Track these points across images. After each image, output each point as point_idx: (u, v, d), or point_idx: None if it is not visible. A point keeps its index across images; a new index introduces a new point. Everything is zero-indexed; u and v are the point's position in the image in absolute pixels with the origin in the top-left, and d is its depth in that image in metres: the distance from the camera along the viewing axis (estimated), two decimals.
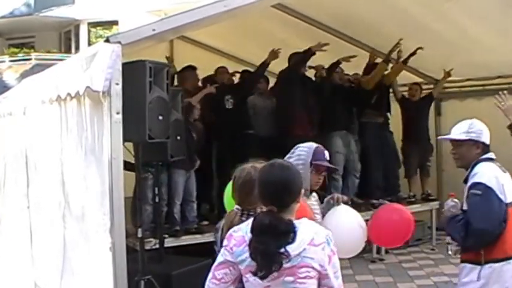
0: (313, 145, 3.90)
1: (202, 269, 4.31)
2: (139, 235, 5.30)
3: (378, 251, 8.02)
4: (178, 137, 6.06)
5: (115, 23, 22.34)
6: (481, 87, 8.65)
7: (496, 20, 6.77)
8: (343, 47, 8.49)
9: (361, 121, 8.58)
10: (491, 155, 3.79)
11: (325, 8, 7.57)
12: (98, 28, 24.09)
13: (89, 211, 4.50)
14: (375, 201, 8.28)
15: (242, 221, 2.93)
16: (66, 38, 24.93)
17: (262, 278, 2.60)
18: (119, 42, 4.06)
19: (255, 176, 2.94)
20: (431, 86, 9.45)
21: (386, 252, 8.16)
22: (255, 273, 2.61)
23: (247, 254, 2.64)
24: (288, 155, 3.81)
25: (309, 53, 7.62)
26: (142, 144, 5.21)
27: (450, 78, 9.24)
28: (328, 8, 7.54)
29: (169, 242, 6.47)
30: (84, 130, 4.53)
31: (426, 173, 8.93)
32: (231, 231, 2.75)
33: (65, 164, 5.11)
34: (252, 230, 2.64)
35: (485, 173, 3.68)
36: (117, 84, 4.03)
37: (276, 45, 7.69)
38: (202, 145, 7.30)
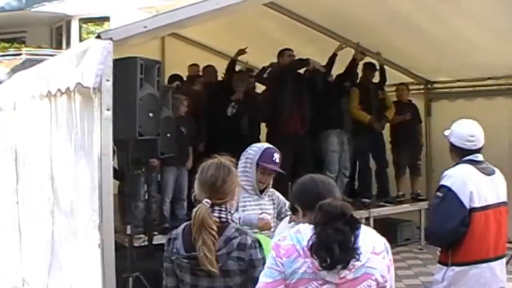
0: (264, 146, 4.08)
1: None
2: (128, 232, 5.29)
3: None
4: (169, 134, 6.05)
5: (106, 19, 22.25)
6: (472, 88, 8.66)
7: (488, 21, 6.78)
8: (335, 46, 8.49)
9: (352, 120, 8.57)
10: (475, 156, 3.72)
11: (318, 7, 7.58)
12: (90, 24, 23.96)
13: (78, 207, 4.49)
14: (365, 200, 8.31)
15: (213, 215, 2.73)
16: (58, 34, 24.78)
17: (326, 268, 2.31)
18: (110, 39, 4.06)
19: (226, 169, 2.82)
20: (422, 87, 9.49)
21: None
22: (320, 264, 2.30)
23: (299, 265, 2.36)
24: (243, 153, 4.00)
25: (306, 63, 7.67)
26: (133, 141, 5.19)
27: (441, 79, 9.25)
28: (321, 7, 7.54)
29: (159, 239, 6.46)
30: (74, 126, 4.53)
31: (417, 172, 8.92)
32: (275, 241, 2.47)
33: (54, 160, 5.10)
34: (319, 222, 2.35)
35: (452, 176, 3.67)
36: (107, 80, 4.03)
37: (269, 43, 7.70)
38: (194, 140, 7.27)
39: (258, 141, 7.46)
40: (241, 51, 8.00)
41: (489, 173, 3.71)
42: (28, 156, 5.91)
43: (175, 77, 7.98)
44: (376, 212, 8.24)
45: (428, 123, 9.39)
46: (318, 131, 8.14)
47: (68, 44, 22.96)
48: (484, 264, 3.64)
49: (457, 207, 3.58)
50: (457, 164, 3.76)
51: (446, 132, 3.85)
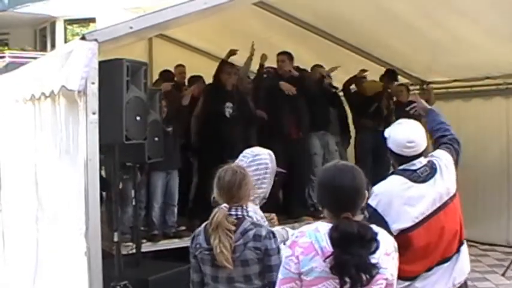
0: (270, 151, 3.67)
1: (180, 275, 4.19)
2: (116, 239, 5.17)
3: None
4: (156, 138, 5.94)
5: (92, 20, 22.09)
6: (468, 89, 8.60)
7: (484, 20, 6.73)
8: (327, 47, 8.43)
9: (360, 123, 8.48)
10: (409, 165, 3.47)
11: (308, 5, 7.51)
12: (75, 25, 23.83)
13: (64, 214, 4.40)
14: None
15: (231, 217, 2.96)
16: (42, 36, 24.63)
17: None
18: (96, 40, 3.99)
19: (241, 175, 3.06)
20: (417, 87, 9.42)
21: None
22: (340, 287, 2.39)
23: (317, 264, 2.41)
24: (244, 163, 3.45)
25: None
26: (119, 146, 5.08)
27: (437, 79, 9.20)
28: (312, 6, 7.47)
29: (147, 247, 6.35)
30: (59, 131, 4.45)
31: None
32: (293, 238, 2.51)
33: (38, 166, 5.03)
34: (336, 241, 2.39)
35: (379, 194, 3.44)
36: (93, 83, 3.95)
37: (258, 44, 7.60)
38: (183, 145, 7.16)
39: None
40: (233, 52, 7.88)
41: (423, 180, 3.45)
42: (12, 162, 5.81)
43: (167, 73, 7.87)
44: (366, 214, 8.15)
45: (423, 125, 9.28)
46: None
47: (53, 46, 22.80)
48: (430, 272, 3.45)
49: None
50: (390, 174, 3.57)
51: (386, 134, 3.63)
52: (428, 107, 4.04)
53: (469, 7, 6.50)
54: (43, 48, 22.96)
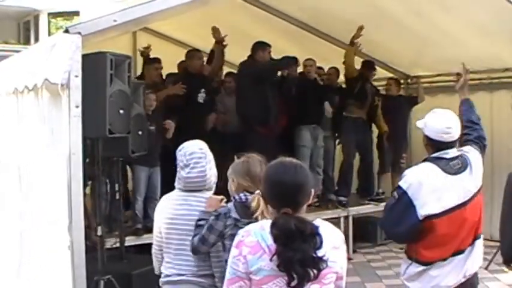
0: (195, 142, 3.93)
1: None
2: (99, 233, 5.15)
3: (346, 250, 7.93)
4: (140, 132, 5.92)
5: (76, 13, 21.91)
6: (452, 83, 8.61)
7: (469, 15, 6.76)
8: (312, 41, 8.44)
9: (342, 115, 8.50)
10: (443, 153, 3.59)
11: (295, 0, 7.50)
12: (59, 19, 23.61)
13: (47, 208, 4.36)
14: (342, 198, 8.23)
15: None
16: (25, 29, 24.39)
17: (296, 287, 2.40)
18: (79, 33, 3.94)
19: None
20: (401, 81, 9.45)
21: (354, 251, 8.10)
22: (288, 284, 2.39)
23: (265, 263, 2.41)
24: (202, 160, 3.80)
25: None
26: (103, 139, 5.06)
27: (421, 73, 9.22)
28: (298, 0, 7.47)
29: (131, 241, 6.32)
30: (42, 124, 4.41)
31: (398, 170, 8.86)
32: (239, 237, 2.51)
33: (21, 160, 4.97)
34: (277, 238, 2.41)
35: (411, 177, 3.58)
36: (76, 76, 3.90)
37: (244, 38, 7.59)
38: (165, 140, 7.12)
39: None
40: (220, 40, 7.83)
41: (455, 172, 3.57)
42: None
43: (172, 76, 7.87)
44: (355, 210, 8.17)
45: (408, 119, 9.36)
46: (292, 126, 8.09)
47: (37, 40, 22.58)
48: (445, 262, 3.58)
49: (408, 213, 3.50)
50: (423, 160, 3.67)
51: (420, 124, 3.72)
52: (467, 95, 4.20)
53: (454, 2, 6.54)
54: (26, 42, 22.74)
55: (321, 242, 2.44)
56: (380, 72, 9.17)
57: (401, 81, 9.45)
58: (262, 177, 2.66)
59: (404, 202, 3.50)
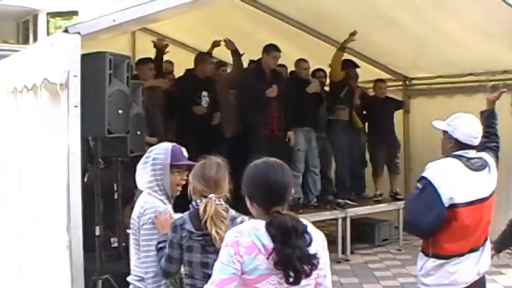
0: (168, 146, 3.73)
1: None
2: (98, 233, 5.15)
3: (343, 252, 7.93)
4: (139, 132, 5.91)
5: (75, 13, 21.91)
6: (451, 85, 8.64)
7: (468, 17, 6.76)
8: (310, 41, 8.44)
9: (329, 119, 8.50)
10: (464, 152, 3.72)
11: (293, 2, 7.51)
12: (58, 18, 23.59)
13: (46, 208, 4.37)
14: (340, 200, 8.23)
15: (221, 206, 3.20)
16: (24, 28, 24.37)
17: (293, 284, 2.46)
18: (78, 33, 3.95)
19: (224, 168, 3.34)
20: (400, 83, 9.45)
21: (352, 252, 8.08)
22: (286, 281, 2.45)
23: (260, 262, 2.45)
24: (143, 159, 3.69)
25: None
26: (101, 139, 5.06)
27: (420, 75, 9.22)
28: (296, 2, 7.48)
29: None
30: (41, 124, 4.42)
31: (395, 170, 8.84)
32: (233, 237, 2.50)
33: (20, 159, 4.97)
34: (274, 236, 2.45)
35: (435, 168, 3.69)
36: (75, 76, 3.92)
37: (243, 38, 7.60)
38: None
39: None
40: (216, 43, 7.86)
41: (476, 168, 3.70)
42: None
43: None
44: (353, 212, 8.15)
45: (406, 121, 9.37)
46: (286, 129, 8.05)
47: (35, 39, 22.55)
48: (463, 257, 3.68)
49: (435, 201, 3.58)
50: (445, 157, 3.77)
51: (441, 126, 3.83)
52: (493, 106, 4.40)
53: (453, 3, 6.54)
54: (25, 41, 22.71)
55: (311, 240, 2.52)
56: (378, 74, 9.17)
57: (400, 82, 9.45)
58: (247, 178, 2.66)
59: (429, 191, 3.59)
